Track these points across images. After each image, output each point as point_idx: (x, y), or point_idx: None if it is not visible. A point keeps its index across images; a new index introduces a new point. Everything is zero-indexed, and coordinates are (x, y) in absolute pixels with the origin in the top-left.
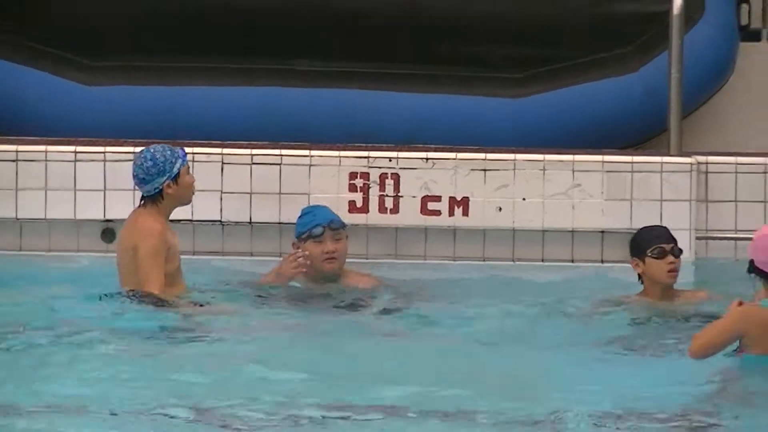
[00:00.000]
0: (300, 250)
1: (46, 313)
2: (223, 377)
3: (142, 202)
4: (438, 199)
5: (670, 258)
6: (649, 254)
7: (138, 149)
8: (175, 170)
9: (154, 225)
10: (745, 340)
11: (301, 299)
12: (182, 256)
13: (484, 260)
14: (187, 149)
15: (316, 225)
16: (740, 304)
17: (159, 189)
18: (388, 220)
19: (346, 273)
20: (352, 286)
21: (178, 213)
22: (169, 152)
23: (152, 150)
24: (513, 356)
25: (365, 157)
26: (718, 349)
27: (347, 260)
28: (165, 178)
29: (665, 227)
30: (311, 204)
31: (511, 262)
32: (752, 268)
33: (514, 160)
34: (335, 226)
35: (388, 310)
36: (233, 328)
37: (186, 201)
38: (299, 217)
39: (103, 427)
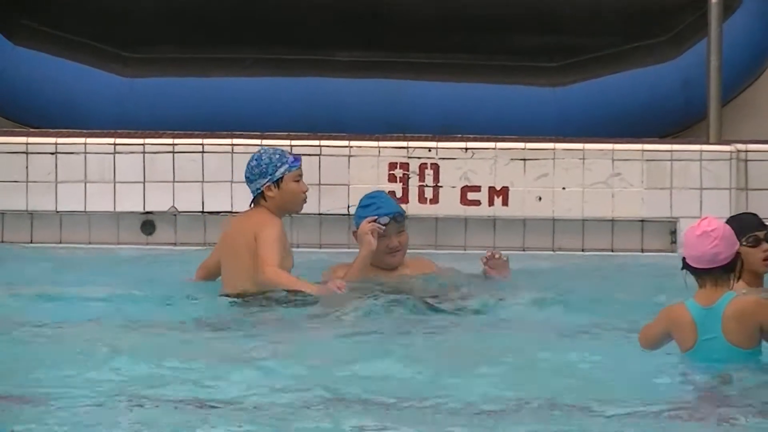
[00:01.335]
0: (377, 221)
1: (85, 305)
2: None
3: (252, 204)
4: (477, 188)
5: (765, 245)
6: (744, 243)
7: (177, 141)
8: (278, 174)
9: (273, 217)
10: (675, 339)
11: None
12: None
13: (524, 250)
14: (225, 140)
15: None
16: None
17: (260, 190)
18: (428, 210)
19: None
20: (412, 271)
21: (218, 204)
22: (277, 156)
23: (261, 151)
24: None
25: (404, 148)
26: (655, 347)
27: None
28: (266, 180)
29: (754, 214)
30: (369, 193)
31: (551, 252)
32: (684, 264)
33: (554, 149)
34: (399, 220)
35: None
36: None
37: (292, 208)
38: (361, 206)
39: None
